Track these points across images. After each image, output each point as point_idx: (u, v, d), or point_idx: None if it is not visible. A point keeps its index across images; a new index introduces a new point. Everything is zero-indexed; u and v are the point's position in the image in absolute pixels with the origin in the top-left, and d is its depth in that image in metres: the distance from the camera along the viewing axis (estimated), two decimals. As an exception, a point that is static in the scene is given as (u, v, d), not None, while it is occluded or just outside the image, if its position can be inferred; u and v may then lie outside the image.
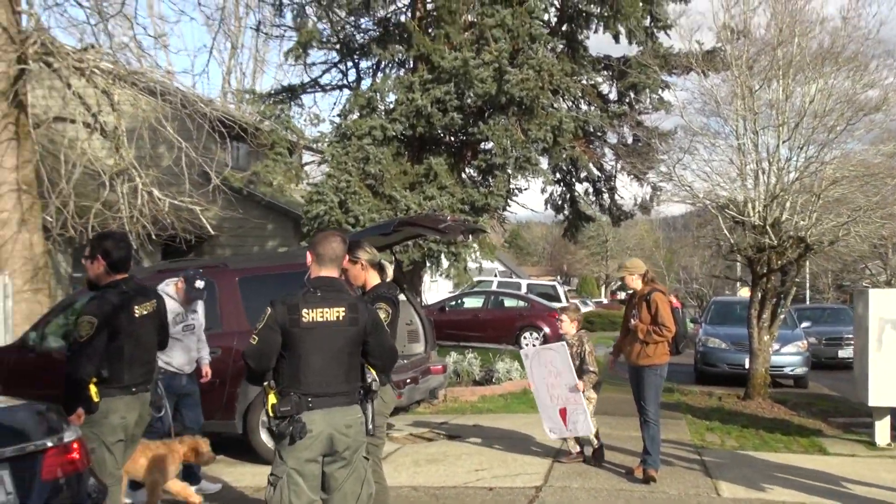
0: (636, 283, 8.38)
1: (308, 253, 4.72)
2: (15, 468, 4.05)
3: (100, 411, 5.24)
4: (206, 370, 8.06)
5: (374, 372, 4.77)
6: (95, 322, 5.23)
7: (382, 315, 5.39)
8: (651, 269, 8.94)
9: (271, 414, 4.40)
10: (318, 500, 4.51)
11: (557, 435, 8.77)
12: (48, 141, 15.59)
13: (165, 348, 6.16)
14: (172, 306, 7.72)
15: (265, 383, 4.47)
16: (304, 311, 4.42)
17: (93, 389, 5.24)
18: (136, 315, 5.50)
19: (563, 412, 8.63)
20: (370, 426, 4.70)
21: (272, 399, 4.40)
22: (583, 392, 8.52)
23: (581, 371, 8.62)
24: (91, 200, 12.96)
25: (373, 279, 5.87)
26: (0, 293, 12.01)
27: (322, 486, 4.53)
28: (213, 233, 17.04)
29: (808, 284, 37.31)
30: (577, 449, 8.84)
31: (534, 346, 21.93)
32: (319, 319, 4.44)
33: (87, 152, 12.86)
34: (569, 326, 9.01)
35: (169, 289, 7.78)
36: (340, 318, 4.50)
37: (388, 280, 6.05)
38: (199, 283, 7.81)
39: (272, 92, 19.71)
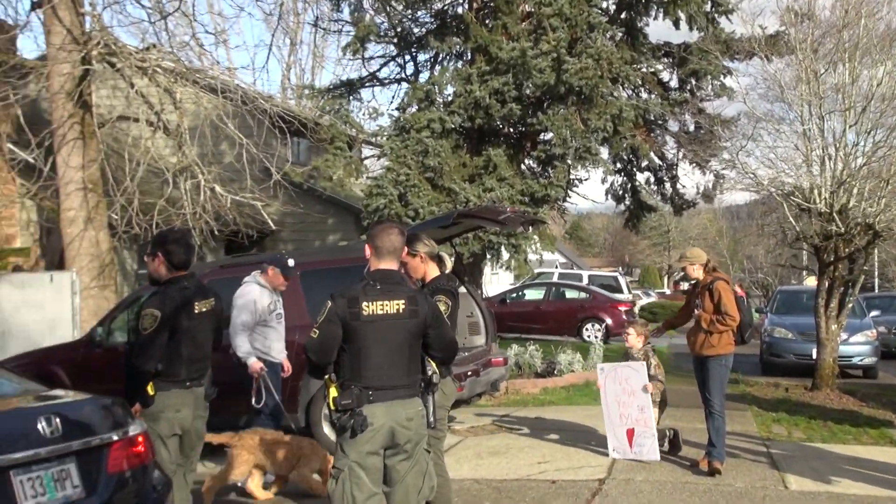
0: (697, 272, 8.26)
1: (366, 246, 4.70)
2: (81, 461, 4.14)
3: (155, 406, 5.32)
4: (287, 365, 8.15)
5: (434, 364, 4.75)
6: (159, 315, 5.31)
7: (442, 307, 5.36)
8: (714, 258, 8.79)
9: (332, 407, 4.39)
10: (380, 493, 4.49)
11: (621, 455, 8.53)
12: (112, 140, 15.89)
13: (218, 349, 6.19)
14: (265, 295, 7.83)
15: (326, 376, 4.47)
16: (364, 303, 4.41)
17: (149, 384, 5.33)
18: (196, 312, 5.56)
19: (629, 433, 8.50)
20: (431, 419, 4.67)
21: (333, 392, 4.40)
22: (651, 394, 8.41)
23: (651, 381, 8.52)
24: (155, 198, 13.17)
25: (432, 271, 5.85)
26: (68, 290, 12.28)
27: (384, 480, 4.52)
28: (274, 228, 17.21)
29: (877, 272, 36.49)
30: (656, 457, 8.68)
31: (595, 336, 21.85)
32: (380, 312, 4.42)
33: (151, 150, 13.08)
34: (635, 340, 8.89)
35: (259, 279, 7.87)
36: (400, 310, 4.47)
37: (447, 272, 6.03)
38: (291, 262, 7.94)
39: (331, 87, 19.86)
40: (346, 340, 4.40)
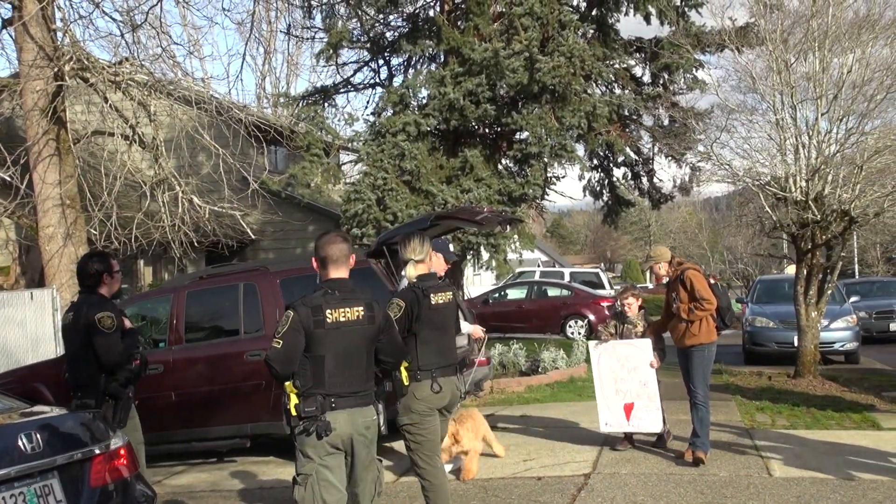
0: (663, 269, 8.38)
1: (313, 259, 4.80)
2: (64, 476, 4.15)
3: None
4: None
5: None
6: None
7: (391, 311, 5.50)
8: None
9: (294, 414, 4.48)
10: (345, 493, 4.59)
11: (614, 429, 8.63)
12: (89, 155, 15.84)
13: (101, 362, 6.00)
14: None
15: (286, 384, 4.54)
16: (328, 311, 4.52)
17: None
18: (62, 323, 6.17)
19: (628, 407, 8.53)
20: (382, 425, 4.86)
21: (294, 400, 4.49)
22: (657, 368, 8.48)
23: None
24: (133, 211, 13.15)
25: (418, 271, 5.92)
26: (49, 307, 12.24)
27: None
28: (254, 237, 17.20)
29: (856, 258, 36.77)
30: (623, 436, 8.75)
31: (579, 332, 21.91)
32: (342, 319, 4.55)
33: (127, 164, 13.03)
34: (636, 306, 8.90)
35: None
36: (360, 316, 4.61)
37: (412, 278, 5.98)
38: (451, 246, 7.94)
39: (306, 94, 19.89)
40: (307, 349, 4.48)
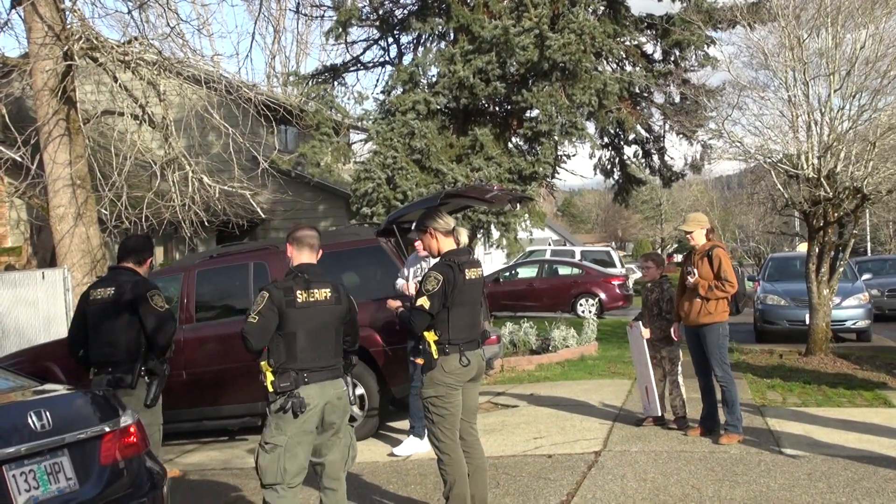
0: (701, 238, 8.09)
1: (287, 245, 5.23)
2: (74, 454, 4.17)
3: None
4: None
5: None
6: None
7: (430, 284, 5.49)
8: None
9: (271, 390, 4.85)
10: (307, 465, 4.98)
11: (644, 413, 8.89)
12: (98, 135, 15.84)
13: (154, 339, 6.35)
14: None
15: (262, 362, 4.92)
16: (298, 292, 4.95)
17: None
18: (91, 299, 6.26)
19: (647, 390, 8.72)
20: (352, 396, 5.32)
21: (270, 376, 4.89)
22: (646, 339, 8.55)
23: (658, 318, 8.59)
24: (144, 191, 13.15)
25: (447, 246, 5.86)
26: (60, 287, 12.29)
27: (314, 452, 5.06)
28: (264, 216, 17.19)
29: (868, 236, 36.60)
30: (657, 413, 8.76)
31: (589, 311, 21.98)
32: (311, 300, 4.98)
33: (137, 144, 13.03)
34: (654, 273, 8.83)
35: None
36: (328, 297, 5.06)
37: (463, 246, 5.98)
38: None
39: (315, 73, 19.83)
40: (279, 328, 4.89)
